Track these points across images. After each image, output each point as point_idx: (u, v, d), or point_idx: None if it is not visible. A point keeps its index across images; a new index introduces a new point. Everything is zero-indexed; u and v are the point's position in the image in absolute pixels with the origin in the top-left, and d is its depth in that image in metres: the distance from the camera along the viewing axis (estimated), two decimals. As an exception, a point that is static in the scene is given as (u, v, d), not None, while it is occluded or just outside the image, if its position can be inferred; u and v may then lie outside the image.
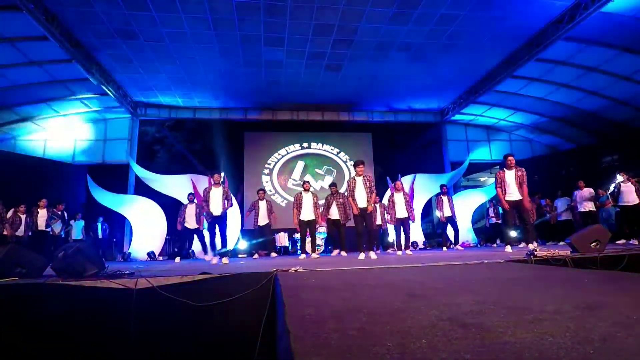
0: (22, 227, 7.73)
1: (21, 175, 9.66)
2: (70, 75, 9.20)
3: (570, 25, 7.38)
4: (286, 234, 11.18)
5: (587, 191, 8.46)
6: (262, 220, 8.07)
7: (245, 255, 10.24)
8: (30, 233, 7.83)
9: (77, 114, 11.33)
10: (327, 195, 7.91)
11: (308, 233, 7.08)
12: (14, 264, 3.36)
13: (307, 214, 6.96)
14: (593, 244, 3.84)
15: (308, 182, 7.47)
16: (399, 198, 7.04)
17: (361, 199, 5.55)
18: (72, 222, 9.29)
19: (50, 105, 10.47)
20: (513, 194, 5.67)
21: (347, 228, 7.69)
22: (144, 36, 8.08)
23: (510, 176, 5.72)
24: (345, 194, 6.31)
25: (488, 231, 11.06)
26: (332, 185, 7.94)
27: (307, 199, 7.00)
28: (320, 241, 10.22)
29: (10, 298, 2.77)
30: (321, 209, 7.74)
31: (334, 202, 7.54)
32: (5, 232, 7.48)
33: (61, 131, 11.78)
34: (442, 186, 8.77)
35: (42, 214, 8.08)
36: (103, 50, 8.62)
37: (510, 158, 5.78)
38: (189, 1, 7.00)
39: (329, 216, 7.61)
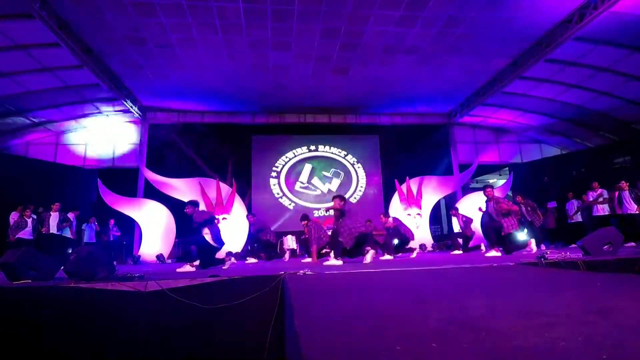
0: (29, 229, 7.79)
1: (33, 179, 9.81)
2: (81, 81, 9.36)
3: (580, 25, 7.30)
4: (294, 237, 11.17)
5: (600, 193, 8.30)
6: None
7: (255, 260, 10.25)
8: (35, 235, 7.86)
9: (87, 118, 11.53)
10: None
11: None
12: (27, 267, 3.43)
13: None
14: (606, 246, 3.78)
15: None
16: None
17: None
18: (84, 225, 9.39)
19: (62, 111, 10.67)
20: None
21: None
22: (153, 42, 8.19)
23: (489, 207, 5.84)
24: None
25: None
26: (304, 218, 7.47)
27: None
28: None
29: (24, 300, 2.82)
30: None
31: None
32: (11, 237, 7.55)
33: (72, 135, 11.99)
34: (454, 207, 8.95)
35: (54, 217, 8.18)
36: (113, 56, 8.76)
37: (489, 189, 5.86)
38: (197, 7, 7.09)
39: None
